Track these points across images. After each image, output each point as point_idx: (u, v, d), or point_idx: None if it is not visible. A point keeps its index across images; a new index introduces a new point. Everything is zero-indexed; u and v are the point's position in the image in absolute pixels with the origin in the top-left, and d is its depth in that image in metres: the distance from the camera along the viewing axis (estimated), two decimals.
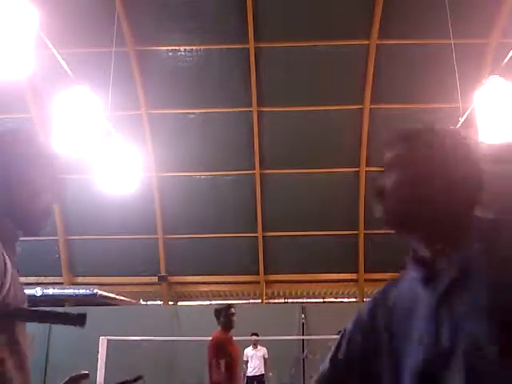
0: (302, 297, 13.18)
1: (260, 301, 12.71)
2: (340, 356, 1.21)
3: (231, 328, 5.31)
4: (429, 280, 1.08)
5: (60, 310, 10.52)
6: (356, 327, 1.21)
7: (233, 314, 5.31)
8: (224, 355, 5.03)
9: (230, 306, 5.42)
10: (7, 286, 1.11)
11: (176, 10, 9.93)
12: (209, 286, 12.70)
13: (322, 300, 13.40)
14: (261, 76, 10.63)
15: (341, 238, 11.56)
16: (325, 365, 1.23)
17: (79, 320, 1.23)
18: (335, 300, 13.42)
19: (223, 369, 4.96)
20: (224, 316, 5.27)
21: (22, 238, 1.29)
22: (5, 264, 1.12)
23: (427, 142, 1.17)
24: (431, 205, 1.11)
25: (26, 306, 1.23)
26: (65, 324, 1.25)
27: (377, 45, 10.13)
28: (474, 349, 0.96)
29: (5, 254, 1.14)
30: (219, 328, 5.29)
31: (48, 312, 1.23)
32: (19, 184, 1.31)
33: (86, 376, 1.45)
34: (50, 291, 11.35)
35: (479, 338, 0.95)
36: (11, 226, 1.27)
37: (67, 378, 1.41)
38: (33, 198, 1.33)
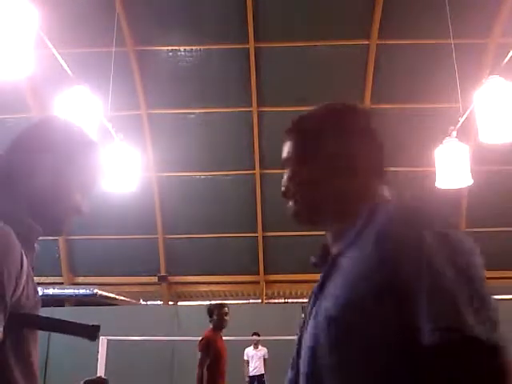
0: (302, 297, 13.16)
1: (260, 301, 12.72)
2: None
3: (223, 327, 5.29)
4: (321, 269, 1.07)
5: (60, 309, 10.47)
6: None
7: (226, 313, 5.28)
8: (210, 354, 5.02)
9: (223, 304, 5.39)
10: (21, 287, 1.07)
11: (176, 10, 9.93)
12: (209, 286, 12.70)
13: None
14: (261, 76, 10.64)
15: None
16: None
17: (92, 332, 1.19)
18: None
19: (206, 368, 4.95)
20: (217, 315, 5.25)
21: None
22: (21, 264, 1.08)
23: (308, 130, 1.14)
24: (318, 193, 1.08)
25: (39, 308, 1.19)
26: (77, 335, 1.21)
27: (377, 45, 10.13)
28: (315, 345, 0.95)
29: (23, 254, 1.09)
30: (210, 327, 5.27)
31: (60, 321, 1.19)
32: (48, 178, 1.21)
33: (103, 381, 1.39)
34: (50, 291, 11.35)
35: (320, 334, 0.94)
36: (32, 224, 1.19)
37: (82, 382, 1.36)
38: (62, 195, 1.23)
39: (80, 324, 1.18)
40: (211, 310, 5.31)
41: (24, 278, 1.08)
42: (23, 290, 1.08)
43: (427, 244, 0.87)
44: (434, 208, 0.95)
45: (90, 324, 1.19)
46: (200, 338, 5.23)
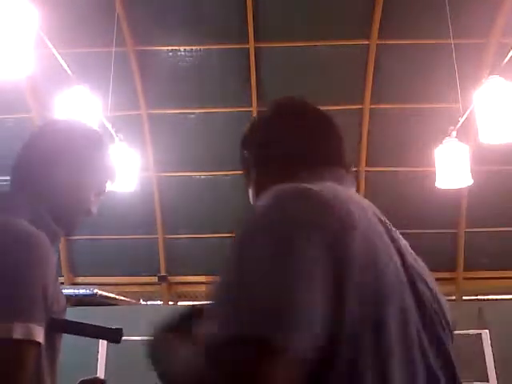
0: None
1: None
2: None
3: None
4: None
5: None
6: None
7: None
8: None
9: None
10: (50, 290, 1.08)
11: (176, 9, 9.93)
12: (209, 286, 12.68)
13: None
14: (261, 76, 10.63)
15: None
16: None
17: (116, 335, 1.19)
18: None
19: None
20: None
21: None
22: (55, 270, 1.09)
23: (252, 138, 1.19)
24: (255, 191, 1.14)
25: (65, 312, 1.20)
26: (101, 338, 1.22)
27: (377, 45, 10.13)
28: None
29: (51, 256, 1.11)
30: None
31: (85, 325, 1.19)
32: (67, 179, 1.22)
33: (101, 382, 1.39)
34: None
35: None
36: (55, 227, 1.20)
37: (78, 382, 1.36)
38: (79, 196, 1.25)
39: (104, 327, 1.19)
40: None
41: (53, 280, 1.09)
42: (55, 294, 1.08)
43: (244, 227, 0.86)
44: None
45: (114, 327, 1.19)
46: None
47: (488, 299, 11.78)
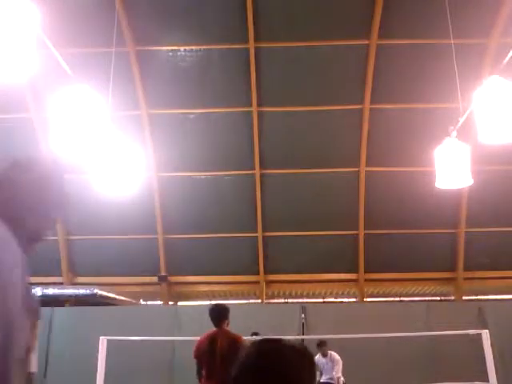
0: (301, 297, 13.17)
1: (260, 301, 12.71)
2: None
3: None
4: None
5: (60, 309, 10.41)
6: None
7: None
8: None
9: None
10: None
11: (176, 9, 9.94)
12: (209, 286, 12.70)
13: (321, 300, 13.39)
14: (261, 76, 10.64)
15: (341, 238, 11.55)
16: None
17: None
18: (335, 300, 13.43)
19: None
20: (228, 317, 5.25)
21: None
22: None
23: None
24: None
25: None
26: None
27: (377, 45, 10.13)
28: None
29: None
30: (224, 327, 5.19)
31: None
32: (27, 210, 1.31)
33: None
34: (50, 291, 11.34)
35: None
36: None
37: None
38: (40, 220, 1.34)
39: None
40: (226, 311, 5.25)
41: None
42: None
43: None
44: None
45: None
46: (235, 336, 5.15)
47: (488, 299, 11.79)
